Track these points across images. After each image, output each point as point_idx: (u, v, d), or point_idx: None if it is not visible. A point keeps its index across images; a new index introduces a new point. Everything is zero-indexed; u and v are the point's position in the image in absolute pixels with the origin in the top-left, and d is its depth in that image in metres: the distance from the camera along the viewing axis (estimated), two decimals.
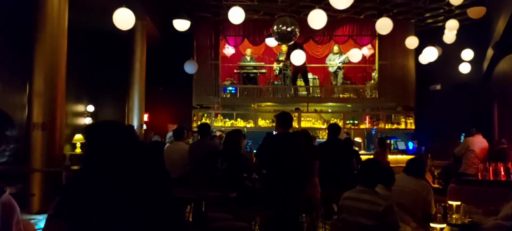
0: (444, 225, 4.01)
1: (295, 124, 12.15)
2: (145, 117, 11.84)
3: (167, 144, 7.25)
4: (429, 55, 9.36)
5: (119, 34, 8.24)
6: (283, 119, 5.11)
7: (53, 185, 5.86)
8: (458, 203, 4.96)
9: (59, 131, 5.87)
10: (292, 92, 12.81)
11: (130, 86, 10.42)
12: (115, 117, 11.15)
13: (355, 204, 3.83)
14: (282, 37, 8.20)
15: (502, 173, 5.92)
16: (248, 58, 12.94)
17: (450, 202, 5.01)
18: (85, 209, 1.87)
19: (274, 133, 6.36)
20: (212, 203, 5.18)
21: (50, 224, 2.08)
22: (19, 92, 7.18)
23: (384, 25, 8.05)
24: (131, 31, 10.03)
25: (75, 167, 8.92)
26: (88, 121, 11.54)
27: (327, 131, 7.00)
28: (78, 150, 10.65)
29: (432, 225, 3.95)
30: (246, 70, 12.90)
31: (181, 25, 7.99)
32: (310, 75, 12.93)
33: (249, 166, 5.62)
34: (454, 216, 4.90)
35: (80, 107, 11.30)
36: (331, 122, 11.09)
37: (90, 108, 11.44)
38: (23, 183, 5.41)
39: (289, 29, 8.02)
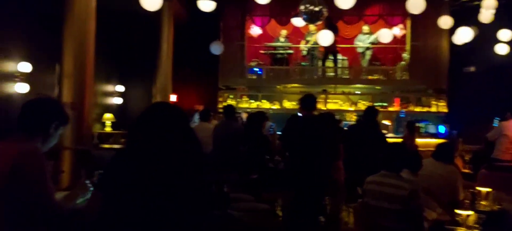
0: (470, 212, 3.87)
1: (321, 106, 12.02)
2: (174, 98, 11.94)
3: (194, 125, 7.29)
4: (464, 35, 9.00)
5: (147, 15, 8.28)
6: (307, 101, 5.05)
7: (82, 163, 6.01)
8: (488, 189, 4.80)
9: (87, 111, 5.99)
10: (320, 73, 12.62)
11: (157, 67, 10.50)
12: (142, 97, 11.30)
13: (379, 188, 3.75)
14: (310, 17, 8.05)
15: None
16: (282, 39, 12.79)
17: (478, 188, 4.85)
18: (123, 185, 1.91)
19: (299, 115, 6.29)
20: (234, 184, 5.21)
21: (92, 194, 2.16)
22: (50, 72, 7.35)
23: (416, 4, 7.76)
24: (159, 11, 10.02)
25: (106, 146, 9.16)
26: (117, 100, 11.75)
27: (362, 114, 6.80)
28: (107, 129, 10.88)
29: (457, 211, 3.82)
30: (274, 51, 12.78)
31: (206, 5, 7.94)
32: (339, 57, 12.69)
33: (271, 148, 5.59)
34: (482, 202, 4.75)
35: (109, 87, 11.50)
36: (360, 104, 10.87)
37: (120, 88, 11.63)
38: (54, 160, 5.57)
39: (317, 8, 7.87)
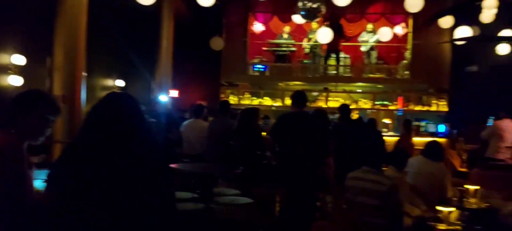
0: (452, 209, 3.87)
1: (323, 104, 12.02)
2: (175, 93, 12.00)
3: (186, 121, 7.32)
4: (463, 35, 8.95)
5: (148, 11, 8.33)
6: (297, 98, 5.07)
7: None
8: (476, 187, 4.80)
9: (78, 104, 6.06)
10: (321, 71, 12.61)
11: (157, 62, 10.57)
12: (143, 92, 11.38)
13: (360, 184, 3.78)
14: (307, 14, 8.05)
15: None
16: (286, 36, 12.80)
17: (466, 186, 4.85)
18: (76, 180, 1.84)
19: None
20: (226, 179, 5.24)
21: (45, 190, 2.09)
22: (41, 65, 7.40)
23: (414, 3, 7.74)
24: (159, 7, 10.15)
25: None
26: None
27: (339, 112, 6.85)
28: None
29: (438, 208, 3.83)
30: (276, 48, 12.81)
31: (206, 1, 7.96)
32: (341, 55, 12.68)
33: (263, 143, 5.62)
34: (470, 200, 4.75)
35: (109, 82, 11.59)
36: (361, 102, 10.87)
37: (120, 83, 11.72)
38: (46, 154, 5.64)
39: (314, 6, 7.86)
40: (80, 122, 6.17)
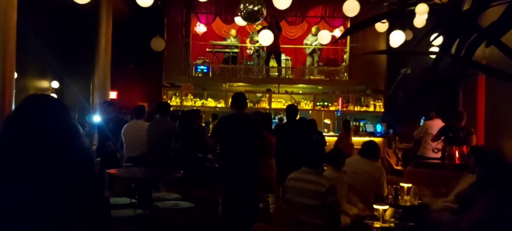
0: (386, 206, 4.04)
1: (265, 105, 12.15)
2: (114, 95, 11.62)
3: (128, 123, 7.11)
4: (397, 38, 9.36)
5: (84, 9, 7.97)
6: (236, 99, 5.07)
7: None
8: (409, 185, 5.04)
9: (9, 106, 5.67)
10: (264, 73, 12.74)
11: (95, 62, 10.17)
12: (80, 93, 10.91)
13: (300, 185, 3.83)
14: (249, 16, 8.05)
15: (457, 156, 6.01)
16: (233, 39, 12.81)
17: (401, 184, 5.08)
18: None
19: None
20: (166, 183, 5.13)
21: None
22: None
23: (351, 7, 7.97)
24: (96, 5, 9.77)
25: None
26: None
27: (285, 113, 6.97)
28: None
29: (375, 206, 3.98)
30: (220, 50, 12.80)
31: (144, 1, 7.74)
32: (283, 57, 12.86)
33: (204, 146, 5.56)
34: (405, 197, 4.98)
35: (44, 84, 11.01)
36: (291, 103, 11.03)
37: (55, 84, 11.17)
38: None
39: (255, 8, 7.88)
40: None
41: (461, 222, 3.94)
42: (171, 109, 7.66)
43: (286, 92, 12.79)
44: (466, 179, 4.94)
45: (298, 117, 8.69)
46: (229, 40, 12.87)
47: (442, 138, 6.40)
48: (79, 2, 6.22)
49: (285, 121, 8.68)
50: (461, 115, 6.38)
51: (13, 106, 5.75)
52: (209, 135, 6.82)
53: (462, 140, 5.99)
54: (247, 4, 7.86)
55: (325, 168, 4.32)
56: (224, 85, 13.05)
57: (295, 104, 12.14)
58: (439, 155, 6.61)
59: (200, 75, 12.82)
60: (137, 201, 3.89)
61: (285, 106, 12.20)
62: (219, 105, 12.34)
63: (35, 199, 1.80)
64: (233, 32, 12.83)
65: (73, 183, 1.87)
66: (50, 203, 1.82)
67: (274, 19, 11.61)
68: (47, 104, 1.97)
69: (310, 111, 12.05)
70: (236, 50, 12.93)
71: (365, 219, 4.19)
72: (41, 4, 9.74)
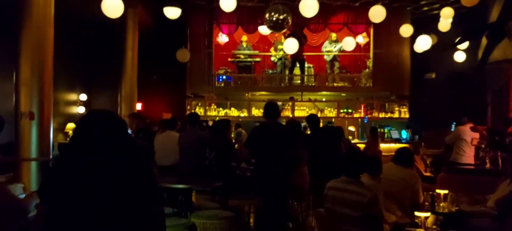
0: (428, 214, 3.99)
1: (288, 113, 12.16)
2: (139, 106, 11.80)
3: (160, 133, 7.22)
4: (424, 43, 9.30)
5: (111, 23, 8.16)
6: (269, 109, 5.11)
7: (42, 174, 5.85)
8: (446, 191, 4.97)
9: (47, 120, 5.83)
10: (286, 81, 12.76)
11: (122, 75, 10.35)
12: (107, 105, 11.11)
13: (340, 195, 3.81)
14: (274, 25, 8.12)
15: (500, 162, 5.92)
16: (244, 45, 12.87)
17: (437, 191, 5.02)
18: (64, 195, 1.85)
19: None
20: (201, 192, 5.18)
21: (36, 207, 2.09)
22: (7, 80, 7.11)
23: (377, 13, 7.98)
24: (123, 19, 9.95)
25: None
26: (80, 109, 11.49)
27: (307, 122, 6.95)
28: None
29: (416, 213, 3.94)
30: (240, 59, 12.85)
31: (172, 12, 7.89)
32: (305, 64, 12.86)
33: (237, 155, 5.60)
34: (441, 204, 4.92)
35: (72, 96, 11.25)
36: (312, 112, 11.03)
37: (83, 97, 11.40)
38: (13, 172, 5.39)
39: (281, 17, 7.94)
40: (48, 138, 5.97)
41: (505, 229, 3.88)
42: None
43: (309, 100, 12.78)
44: (504, 185, 4.87)
45: (321, 124, 8.70)
46: (242, 48, 12.88)
47: (483, 145, 6.28)
48: (111, 16, 6.36)
49: (307, 130, 8.70)
50: (510, 121, 6.25)
51: (51, 121, 5.92)
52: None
53: (508, 146, 5.87)
54: (273, 13, 7.93)
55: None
56: (246, 94, 13.12)
57: (316, 112, 12.23)
58: (471, 159, 6.51)
59: (222, 85, 12.91)
60: (178, 210, 3.95)
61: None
62: (242, 115, 12.40)
63: (105, 213, 1.87)
64: (244, 38, 12.83)
65: (139, 196, 1.93)
66: (117, 216, 1.89)
67: (299, 27, 11.64)
68: (111, 120, 2.03)
69: (333, 119, 12.02)
70: (250, 59, 12.97)
71: (406, 226, 4.15)
72: (69, 18, 9.98)
